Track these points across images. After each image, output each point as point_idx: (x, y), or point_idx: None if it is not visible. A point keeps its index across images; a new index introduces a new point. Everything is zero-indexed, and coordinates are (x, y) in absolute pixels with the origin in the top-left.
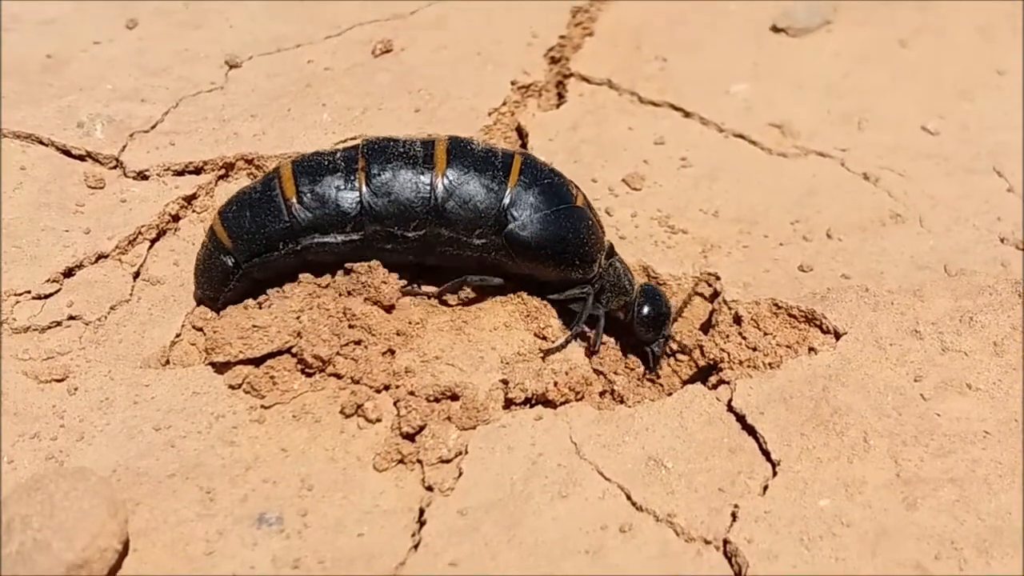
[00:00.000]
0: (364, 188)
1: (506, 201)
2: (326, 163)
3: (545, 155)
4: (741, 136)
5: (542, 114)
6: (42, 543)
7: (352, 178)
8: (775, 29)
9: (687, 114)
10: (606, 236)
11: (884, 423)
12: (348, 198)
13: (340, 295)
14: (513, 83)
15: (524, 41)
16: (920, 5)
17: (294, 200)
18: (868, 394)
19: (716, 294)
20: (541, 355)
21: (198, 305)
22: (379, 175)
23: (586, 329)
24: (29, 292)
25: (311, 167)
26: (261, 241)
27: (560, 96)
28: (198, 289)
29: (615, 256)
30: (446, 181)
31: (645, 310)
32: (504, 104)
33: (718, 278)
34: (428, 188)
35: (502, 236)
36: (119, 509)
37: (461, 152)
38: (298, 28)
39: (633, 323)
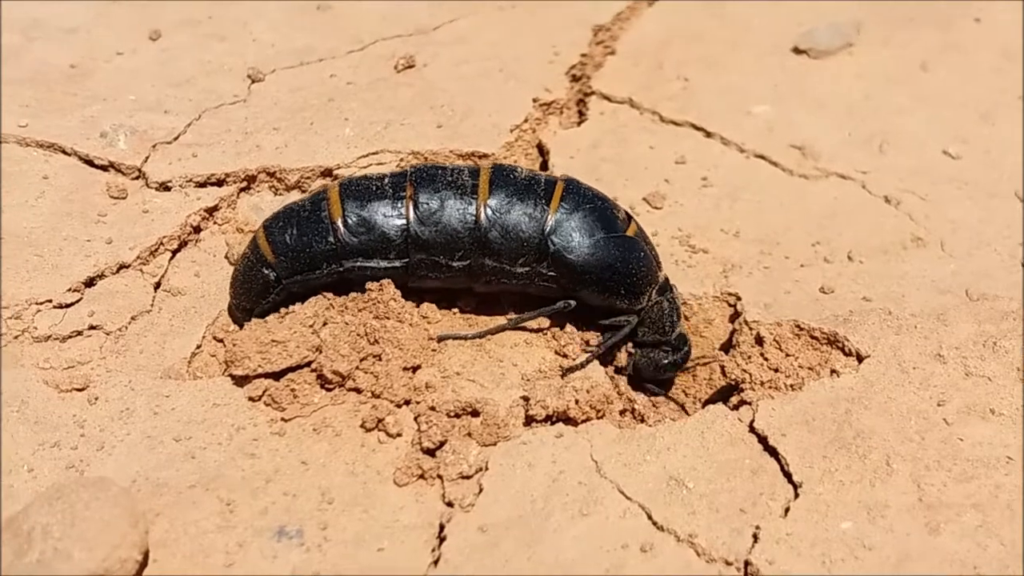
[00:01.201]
0: (411, 217)
1: (547, 228)
2: (374, 188)
3: (566, 173)
4: (762, 157)
5: (563, 132)
6: (63, 552)
7: (399, 205)
8: (797, 50)
9: (708, 134)
10: (662, 271)
11: (907, 447)
12: (394, 226)
13: (359, 311)
14: (535, 100)
15: (546, 59)
16: (942, 28)
17: (340, 223)
18: (891, 417)
19: (737, 314)
20: (561, 373)
21: (233, 313)
22: (426, 204)
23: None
24: (50, 301)
25: (359, 191)
26: (304, 260)
27: (581, 114)
28: (234, 299)
29: (668, 293)
30: (489, 211)
31: (666, 360)
32: (526, 121)
33: (739, 298)
34: (472, 219)
35: (550, 258)
36: (139, 520)
37: (504, 180)
38: (321, 42)
39: (649, 361)
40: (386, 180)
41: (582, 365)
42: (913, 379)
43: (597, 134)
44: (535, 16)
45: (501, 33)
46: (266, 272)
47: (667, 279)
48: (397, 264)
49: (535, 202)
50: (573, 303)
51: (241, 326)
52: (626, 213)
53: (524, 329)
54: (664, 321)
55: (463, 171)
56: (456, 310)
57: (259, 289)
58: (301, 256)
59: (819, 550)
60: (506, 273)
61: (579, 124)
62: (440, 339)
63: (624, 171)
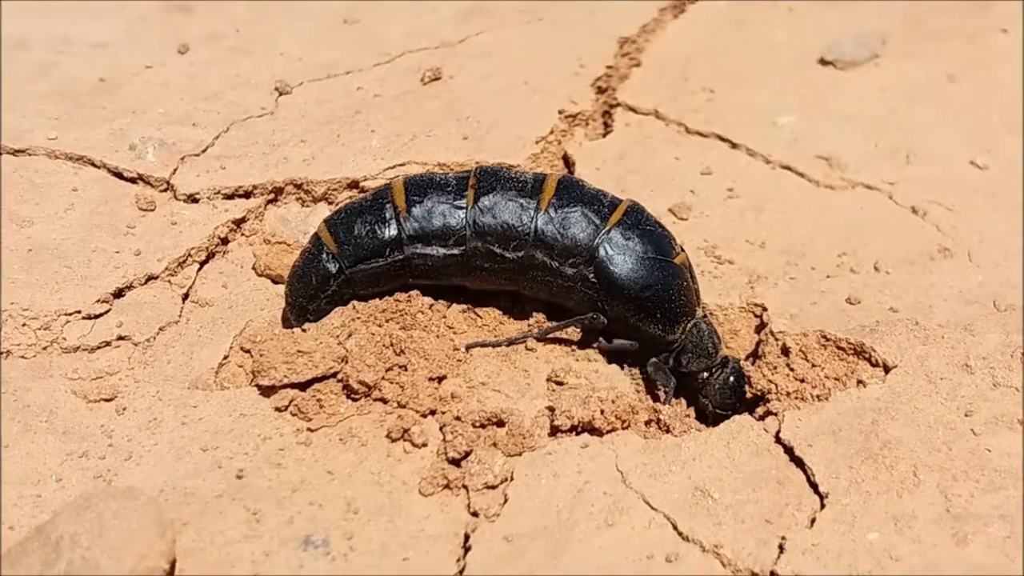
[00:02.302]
0: (472, 205)
1: (603, 236)
2: (438, 180)
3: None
4: (788, 168)
5: (589, 143)
6: (91, 562)
7: (462, 195)
8: (823, 62)
9: (734, 145)
10: (700, 307)
11: (934, 457)
12: (455, 213)
13: (385, 321)
14: (560, 112)
15: (571, 71)
16: (968, 39)
17: (403, 210)
18: (918, 428)
19: (763, 325)
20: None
21: (289, 314)
22: (488, 194)
23: (661, 387)
24: (79, 312)
25: (422, 182)
26: (368, 247)
27: (607, 126)
28: (291, 296)
29: (704, 318)
30: (551, 209)
31: (725, 379)
32: (551, 133)
33: (765, 309)
34: (532, 211)
35: (591, 268)
36: (167, 529)
37: (570, 186)
38: (347, 55)
39: (713, 388)
40: (450, 175)
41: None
42: (940, 390)
43: (623, 145)
44: (561, 29)
45: (527, 46)
46: (328, 264)
47: (704, 313)
48: (455, 252)
49: (597, 210)
50: (604, 319)
51: (296, 326)
52: (681, 247)
53: (552, 340)
54: (706, 343)
55: (527, 173)
56: (482, 319)
57: (319, 282)
58: (364, 243)
59: (845, 561)
60: (555, 271)
61: (605, 136)
62: (468, 348)
63: (650, 182)
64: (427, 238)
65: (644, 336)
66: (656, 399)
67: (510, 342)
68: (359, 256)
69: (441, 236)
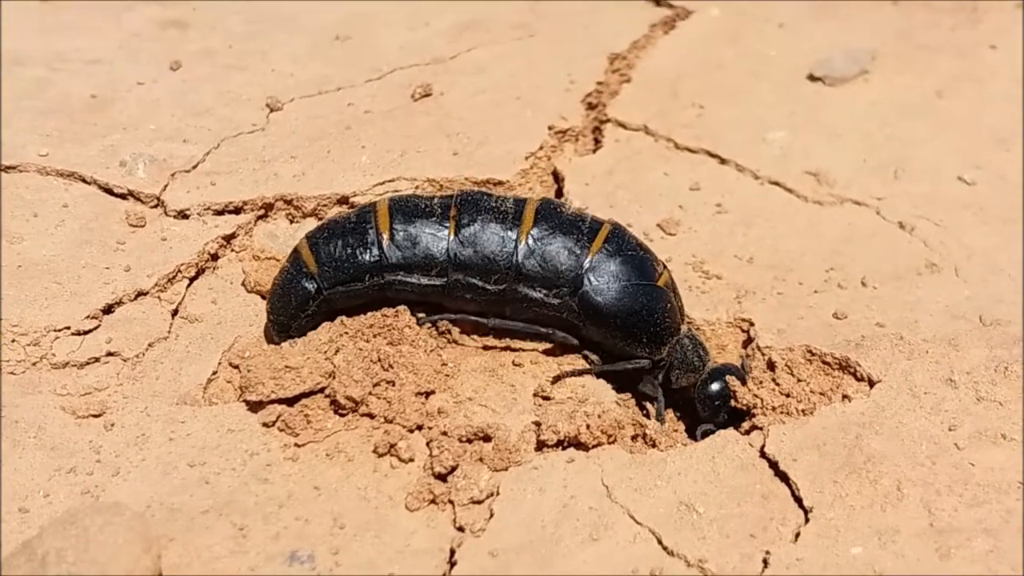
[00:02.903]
0: (452, 236)
1: (586, 265)
2: (423, 207)
3: (581, 199)
4: (777, 183)
5: (578, 159)
6: None
7: (444, 225)
8: (812, 78)
9: (723, 161)
10: (684, 320)
11: (918, 472)
12: (437, 243)
13: (373, 336)
14: (550, 128)
15: (562, 87)
16: (958, 54)
17: (386, 236)
18: (902, 442)
19: (750, 340)
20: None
21: (270, 332)
22: (468, 226)
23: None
24: (69, 328)
25: (408, 208)
26: (348, 270)
27: (596, 141)
28: (272, 315)
29: (688, 333)
30: (530, 240)
31: (711, 388)
32: (541, 148)
33: (752, 324)
34: (512, 244)
35: (575, 298)
36: (153, 545)
37: (549, 214)
38: (339, 71)
39: (702, 401)
40: (436, 201)
41: (572, 374)
42: (924, 404)
43: (612, 161)
44: (552, 45)
45: (518, 62)
46: (307, 284)
47: (688, 328)
48: (437, 282)
49: (577, 238)
50: (650, 364)
51: (279, 343)
52: (664, 265)
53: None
54: (691, 358)
55: (507, 199)
56: (473, 336)
57: (299, 302)
58: (345, 266)
59: (830, 575)
60: (539, 302)
61: (594, 151)
62: (554, 380)
63: (639, 197)
64: (408, 267)
65: (629, 357)
66: (648, 414)
67: (578, 373)
68: (338, 279)
69: (422, 267)
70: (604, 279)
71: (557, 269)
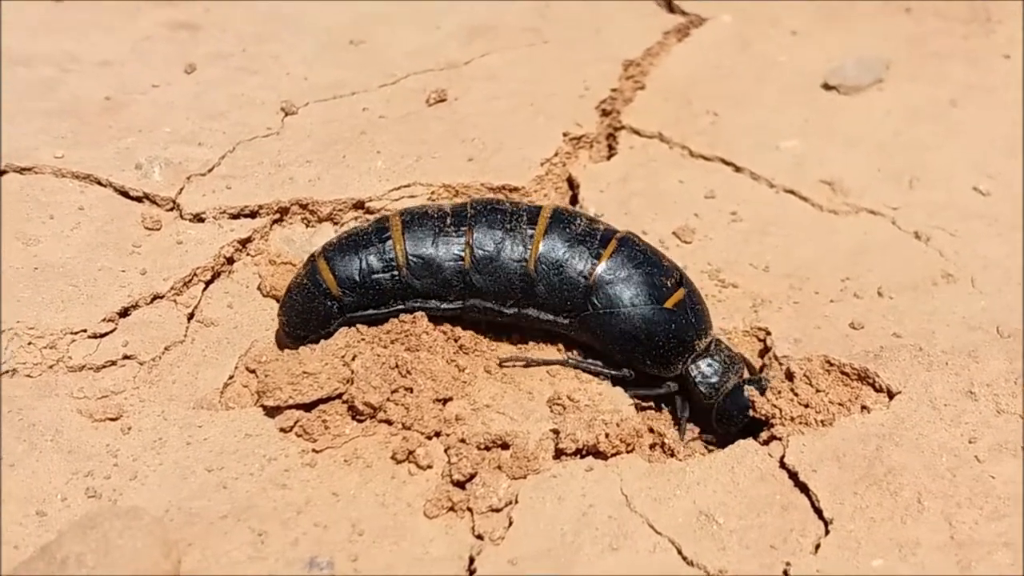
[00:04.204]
0: (469, 265)
1: (590, 286)
2: (436, 229)
3: (596, 206)
4: (792, 192)
5: (593, 166)
6: None
7: (460, 252)
8: (826, 86)
9: (738, 169)
10: (707, 334)
11: (938, 484)
12: (454, 271)
13: (390, 343)
14: (565, 134)
15: (576, 93)
16: (972, 64)
17: (404, 265)
18: (922, 454)
19: (767, 349)
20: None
21: (285, 339)
22: (483, 249)
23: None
24: (85, 331)
25: (422, 232)
26: (371, 296)
27: (611, 148)
28: (288, 327)
29: (712, 354)
30: (540, 264)
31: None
32: (556, 155)
33: (769, 333)
34: (523, 269)
35: (578, 321)
36: (172, 550)
37: (559, 232)
38: (353, 76)
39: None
40: (449, 221)
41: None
42: (944, 416)
43: (627, 168)
44: (566, 51)
45: (532, 68)
46: (330, 305)
47: (713, 340)
48: (455, 306)
49: (585, 260)
50: (633, 373)
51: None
52: (678, 276)
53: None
54: (709, 378)
55: (521, 216)
56: (490, 339)
57: (320, 320)
58: (366, 294)
59: None
60: (551, 323)
61: (609, 158)
62: (502, 363)
63: (654, 205)
64: (426, 295)
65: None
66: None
67: (544, 362)
68: (360, 304)
69: (440, 295)
70: (605, 302)
71: (563, 295)
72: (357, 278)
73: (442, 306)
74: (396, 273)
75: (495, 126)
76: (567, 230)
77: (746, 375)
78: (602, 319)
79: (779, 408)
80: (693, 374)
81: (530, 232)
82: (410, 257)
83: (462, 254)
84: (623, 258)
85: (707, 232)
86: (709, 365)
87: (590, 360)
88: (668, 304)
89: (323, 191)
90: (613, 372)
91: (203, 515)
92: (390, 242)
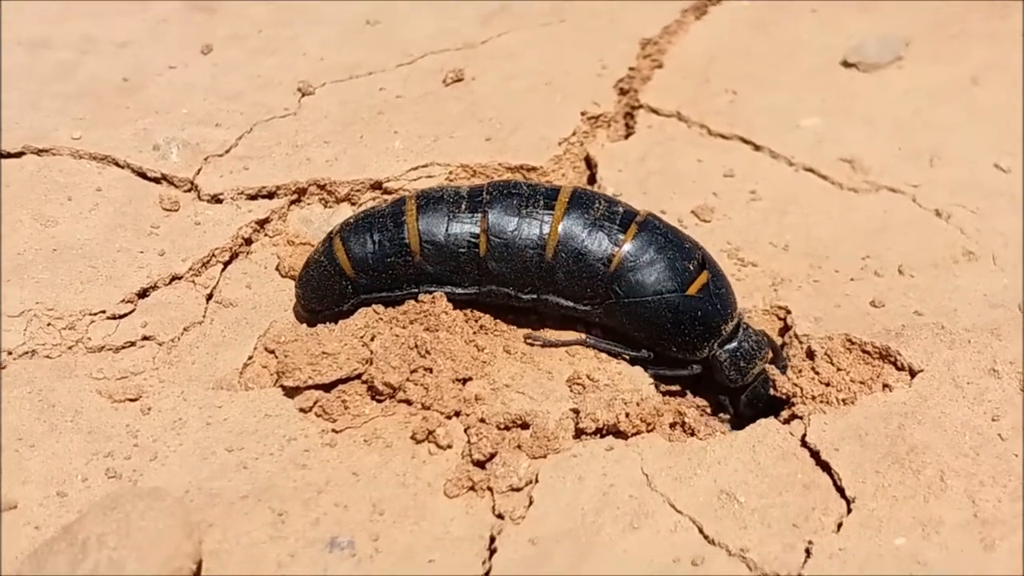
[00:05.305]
0: (485, 251)
1: (610, 274)
2: (452, 214)
3: (614, 186)
4: (811, 170)
5: (611, 145)
6: (117, 562)
7: (475, 237)
8: (846, 64)
9: (757, 147)
10: (732, 318)
11: (961, 462)
12: (469, 258)
13: (409, 323)
14: (583, 114)
15: (594, 72)
16: (992, 41)
17: (418, 251)
18: (945, 433)
19: (787, 328)
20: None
21: (302, 311)
22: (499, 237)
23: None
24: (104, 312)
25: (437, 218)
26: (384, 280)
27: (629, 127)
28: (304, 301)
29: (739, 339)
30: (558, 251)
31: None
32: (574, 134)
33: (789, 312)
34: (540, 255)
35: (601, 309)
36: (193, 530)
37: (578, 217)
38: (370, 56)
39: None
40: (464, 206)
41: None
42: (967, 394)
43: (645, 147)
44: (583, 30)
45: (549, 47)
46: (343, 284)
47: (739, 322)
48: (471, 291)
49: (603, 246)
50: (699, 369)
51: (312, 324)
52: (700, 257)
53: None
54: (737, 363)
55: (538, 199)
56: (509, 319)
57: (336, 297)
58: (380, 277)
59: (872, 565)
60: (569, 309)
61: (627, 137)
62: (527, 339)
63: (672, 184)
64: (440, 280)
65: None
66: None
67: (564, 343)
68: (374, 286)
69: (455, 280)
70: (627, 291)
71: (583, 282)
72: (371, 261)
73: (457, 291)
74: (410, 259)
75: (512, 105)
76: (586, 215)
77: (770, 356)
78: (625, 307)
79: (800, 387)
80: (722, 359)
81: (547, 218)
82: (424, 244)
83: (477, 241)
84: (644, 243)
85: (726, 211)
86: (737, 349)
87: (610, 340)
88: (692, 290)
89: (341, 171)
90: (633, 353)
91: (223, 495)
92: (404, 227)
